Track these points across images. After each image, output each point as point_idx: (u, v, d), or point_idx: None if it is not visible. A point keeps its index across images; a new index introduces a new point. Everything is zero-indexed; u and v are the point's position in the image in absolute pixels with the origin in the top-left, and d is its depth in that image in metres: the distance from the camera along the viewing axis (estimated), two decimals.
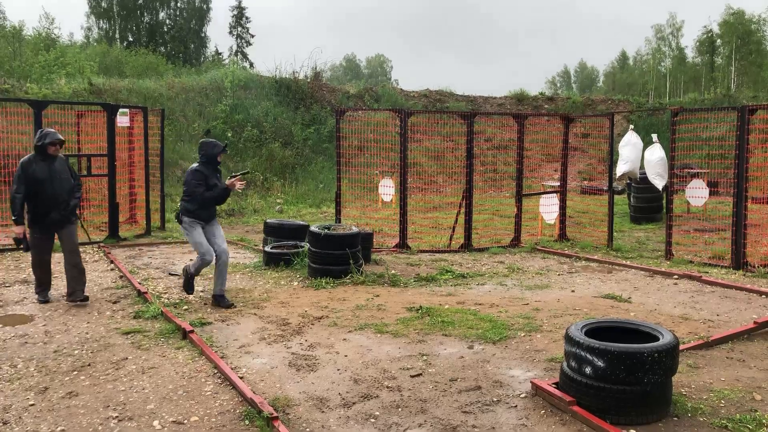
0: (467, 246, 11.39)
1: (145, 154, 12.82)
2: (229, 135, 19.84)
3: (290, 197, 18.76)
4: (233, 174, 7.28)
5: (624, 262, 10.12)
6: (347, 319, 6.62)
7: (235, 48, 53.38)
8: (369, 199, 13.60)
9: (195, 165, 7.11)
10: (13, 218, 6.95)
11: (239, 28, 53.46)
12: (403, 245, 11.13)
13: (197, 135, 19.88)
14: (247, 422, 4.16)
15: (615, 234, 11.92)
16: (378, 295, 7.68)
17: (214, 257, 7.07)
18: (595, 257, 10.46)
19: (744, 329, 6.02)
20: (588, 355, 4.16)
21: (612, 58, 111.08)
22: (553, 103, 27.41)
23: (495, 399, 4.55)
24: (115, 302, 7.29)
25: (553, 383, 4.52)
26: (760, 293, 7.80)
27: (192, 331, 5.90)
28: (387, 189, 12.28)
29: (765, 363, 5.30)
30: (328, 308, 7.05)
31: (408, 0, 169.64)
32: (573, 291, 8.09)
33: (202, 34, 52.65)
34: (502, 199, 16.80)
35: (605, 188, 12.52)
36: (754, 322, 6.10)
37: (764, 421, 4.12)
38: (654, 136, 11.50)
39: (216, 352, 5.48)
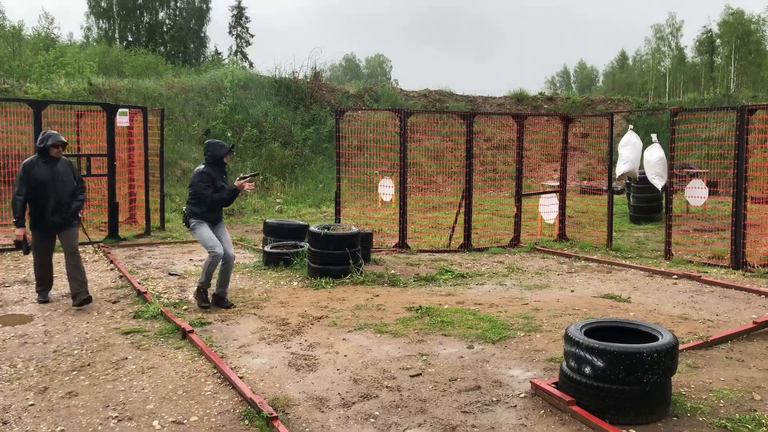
0: (467, 246, 11.39)
1: (144, 154, 12.83)
2: (229, 135, 19.82)
3: (290, 197, 18.77)
4: (242, 175, 7.23)
5: (623, 262, 10.13)
6: (347, 319, 6.63)
7: (234, 48, 53.43)
8: (368, 199, 13.60)
9: (201, 167, 7.00)
10: (14, 220, 6.89)
11: (239, 28, 53.44)
12: (402, 245, 11.13)
13: (197, 135, 19.89)
14: (246, 422, 4.17)
15: (614, 234, 11.92)
16: (377, 295, 7.69)
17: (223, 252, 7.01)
18: (595, 257, 10.47)
19: (743, 329, 6.03)
20: (587, 355, 4.17)
21: (611, 58, 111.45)
22: (553, 103, 27.42)
23: (494, 399, 4.55)
24: (114, 302, 7.29)
25: (553, 383, 4.53)
26: (760, 293, 7.81)
27: (192, 331, 5.91)
28: (386, 189, 12.28)
29: (764, 363, 5.30)
30: (327, 308, 7.05)
31: (408, 0, 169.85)
32: (572, 291, 8.10)
33: (202, 34, 52.75)
34: (502, 198, 16.77)
35: (605, 188, 12.52)
36: (754, 322, 6.11)
37: (763, 421, 4.12)
38: (653, 136, 11.50)
39: (216, 352, 5.48)
